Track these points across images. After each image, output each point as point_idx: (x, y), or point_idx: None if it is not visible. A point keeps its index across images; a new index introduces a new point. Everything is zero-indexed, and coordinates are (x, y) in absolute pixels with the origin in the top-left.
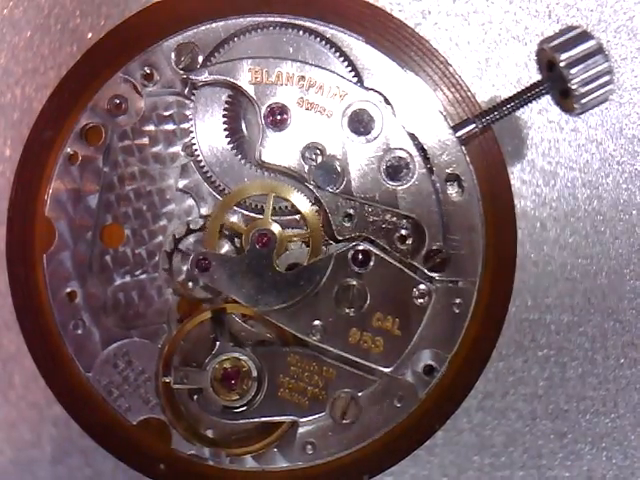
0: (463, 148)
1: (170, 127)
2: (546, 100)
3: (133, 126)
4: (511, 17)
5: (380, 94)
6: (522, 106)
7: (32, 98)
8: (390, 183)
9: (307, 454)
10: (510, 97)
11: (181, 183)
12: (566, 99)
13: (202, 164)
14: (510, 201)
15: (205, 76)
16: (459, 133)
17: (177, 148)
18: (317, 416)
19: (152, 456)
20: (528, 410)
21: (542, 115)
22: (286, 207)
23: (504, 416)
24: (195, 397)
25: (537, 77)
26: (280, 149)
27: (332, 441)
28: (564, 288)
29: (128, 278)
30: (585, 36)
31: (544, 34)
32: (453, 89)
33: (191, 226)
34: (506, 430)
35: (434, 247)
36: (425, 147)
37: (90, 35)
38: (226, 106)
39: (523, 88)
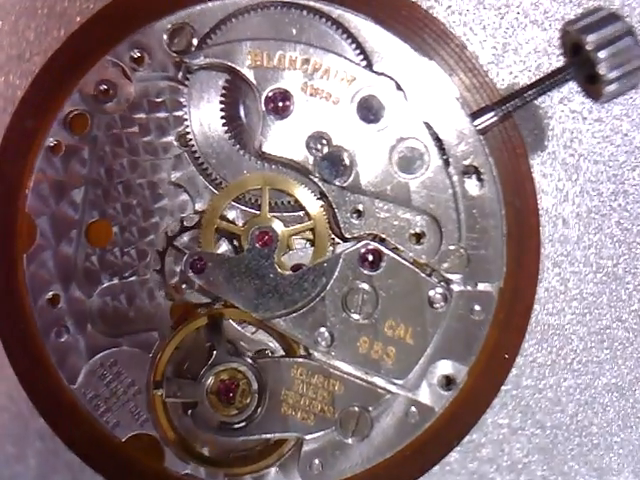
0: (482, 138)
1: (162, 115)
2: (567, 88)
3: (122, 114)
4: (529, 0)
5: (391, 79)
6: (545, 93)
7: (16, 86)
8: (402, 176)
9: (313, 474)
10: (532, 83)
11: (174, 176)
12: (593, 85)
13: (197, 155)
14: (533, 195)
15: (200, 59)
16: (477, 122)
17: (170, 138)
18: (324, 433)
19: (143, 476)
20: (551, 423)
21: (564, 104)
22: (289, 202)
23: (525, 429)
24: (190, 412)
25: (558, 64)
26: (282, 139)
27: (340, 460)
28: (588, 290)
29: (116, 280)
30: (613, 17)
31: (565, 18)
32: (470, 74)
33: (185, 223)
34: (527, 445)
35: (451, 247)
36: (440, 137)
37: (78, 19)
38: (223, 92)
39: (546, 74)
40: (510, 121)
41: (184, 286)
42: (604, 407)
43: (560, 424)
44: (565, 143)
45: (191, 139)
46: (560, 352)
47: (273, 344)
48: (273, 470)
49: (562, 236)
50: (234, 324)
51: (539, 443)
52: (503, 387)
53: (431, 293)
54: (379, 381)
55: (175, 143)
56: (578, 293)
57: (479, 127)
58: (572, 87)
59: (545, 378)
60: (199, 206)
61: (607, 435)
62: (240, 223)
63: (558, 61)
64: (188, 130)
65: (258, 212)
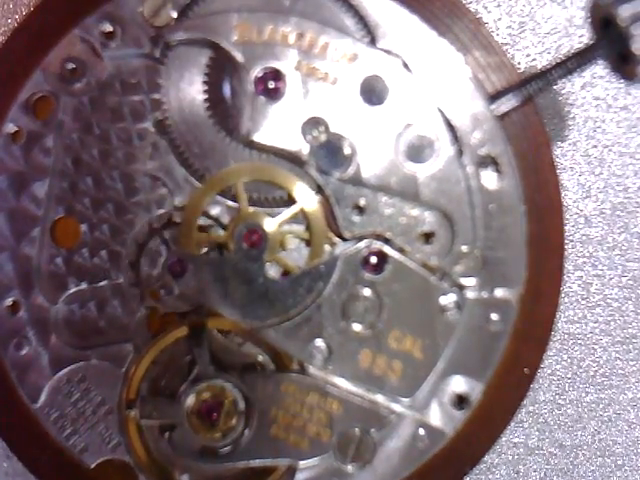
0: (500, 124)
1: (137, 98)
2: (590, 73)
3: (92, 96)
4: None
5: (397, 57)
6: (571, 73)
7: None
8: (410, 166)
9: None
10: (557, 63)
11: (151, 167)
12: (626, 64)
13: (177, 143)
14: (557, 189)
15: (180, 34)
16: (495, 106)
17: (146, 124)
18: (319, 459)
19: None
20: (571, 442)
21: (586, 90)
22: (281, 197)
23: (542, 448)
24: (167, 435)
25: (580, 46)
26: (274, 125)
27: None
28: (612, 296)
29: (85, 285)
30: None
31: None
32: (486, 53)
33: (163, 220)
34: (545, 466)
35: (464, 247)
36: (453, 123)
37: None
38: (206, 71)
39: (572, 52)
40: (531, 105)
41: (162, 292)
42: (629, 424)
43: (581, 443)
44: (588, 133)
45: (170, 125)
46: (581, 364)
47: (262, 357)
48: None
49: (584, 236)
50: (218, 335)
51: (558, 464)
52: None
53: (442, 300)
54: (382, 400)
55: (152, 129)
56: (602, 299)
57: (497, 112)
58: (595, 72)
59: (565, 393)
60: (179, 201)
61: (632, 455)
62: (226, 220)
63: (580, 42)
64: (167, 115)
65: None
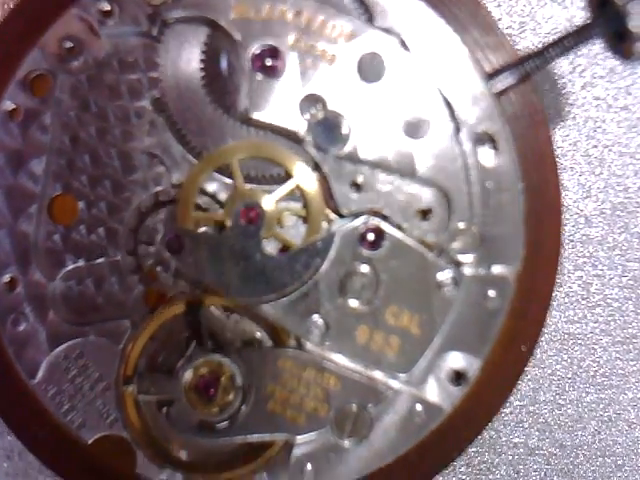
0: (497, 102)
1: (135, 76)
2: (590, 73)
3: (89, 74)
4: None
5: (395, 35)
6: (567, 52)
7: None
8: (407, 144)
9: None
10: (554, 41)
11: (148, 144)
12: (622, 43)
13: (174, 120)
14: (554, 167)
15: (178, 11)
16: (493, 84)
17: (144, 102)
18: (317, 434)
19: None
20: (572, 442)
21: (587, 91)
22: (279, 175)
23: (542, 449)
24: (165, 410)
25: (581, 22)
26: (271, 102)
27: (335, 465)
28: (613, 296)
29: (82, 262)
30: None
31: None
32: (484, 32)
33: (160, 198)
34: (545, 466)
35: (462, 224)
36: (450, 100)
37: None
38: (204, 49)
39: (570, 30)
40: (528, 84)
41: (159, 269)
42: (629, 424)
43: (581, 443)
44: (588, 133)
45: (167, 103)
46: (582, 364)
47: (260, 334)
48: (259, 476)
49: (584, 236)
50: (216, 312)
51: (558, 464)
52: (518, 403)
53: (439, 276)
54: (380, 375)
55: (149, 108)
56: (602, 299)
57: (494, 90)
58: (595, 72)
59: (565, 393)
60: (176, 178)
61: (632, 455)
62: (223, 198)
63: (580, 18)
64: (164, 92)
65: (245, 185)
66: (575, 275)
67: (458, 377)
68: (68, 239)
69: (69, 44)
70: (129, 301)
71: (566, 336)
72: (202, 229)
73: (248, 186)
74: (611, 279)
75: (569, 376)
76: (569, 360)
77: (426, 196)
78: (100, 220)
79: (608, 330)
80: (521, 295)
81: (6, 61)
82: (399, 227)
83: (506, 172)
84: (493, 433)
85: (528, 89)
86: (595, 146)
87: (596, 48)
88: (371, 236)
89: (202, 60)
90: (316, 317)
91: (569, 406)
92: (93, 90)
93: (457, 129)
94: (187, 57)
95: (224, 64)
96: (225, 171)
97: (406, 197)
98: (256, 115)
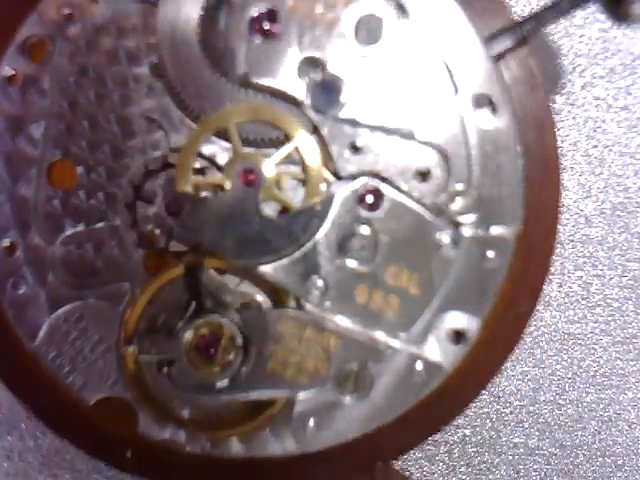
0: (495, 65)
1: (133, 41)
2: (590, 74)
3: (87, 39)
4: None
5: None
6: (564, 14)
7: None
8: (406, 105)
9: (306, 438)
10: (551, 4)
11: (147, 108)
12: (619, 5)
13: (173, 85)
14: (552, 130)
15: None
16: (490, 47)
17: (142, 67)
18: (318, 391)
19: (114, 442)
20: (572, 442)
21: (586, 90)
22: (277, 138)
23: (543, 449)
24: (165, 370)
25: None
26: (270, 64)
27: (336, 422)
28: (613, 296)
29: (82, 227)
30: None
31: None
32: None
33: (159, 162)
34: (545, 466)
35: (460, 185)
36: (448, 63)
37: None
38: (202, 13)
39: None
40: (525, 49)
41: (158, 232)
42: (630, 424)
43: (581, 443)
44: (588, 133)
45: (166, 67)
46: (582, 364)
47: (260, 296)
48: (262, 433)
49: (584, 236)
50: (215, 275)
51: (558, 464)
52: (518, 403)
53: (438, 237)
54: (380, 334)
55: (148, 73)
56: (602, 299)
57: (492, 52)
58: (595, 72)
59: (565, 393)
60: (175, 142)
61: (633, 455)
62: (222, 161)
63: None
64: (162, 57)
65: (243, 149)
66: (575, 275)
67: (458, 336)
68: (67, 204)
69: (67, 10)
70: (129, 264)
71: (566, 336)
72: (201, 192)
73: (247, 149)
74: (611, 279)
75: (569, 376)
76: (569, 360)
77: (425, 158)
78: (99, 185)
79: (608, 330)
80: (520, 256)
81: (4, 27)
82: (398, 188)
83: (504, 134)
84: (493, 433)
85: (525, 53)
86: (595, 146)
87: (596, 48)
88: (370, 198)
89: (200, 24)
90: (315, 278)
91: (569, 406)
92: (91, 56)
93: (455, 92)
94: (185, 21)
95: (222, 27)
96: (224, 135)
97: (405, 159)
98: (254, 79)
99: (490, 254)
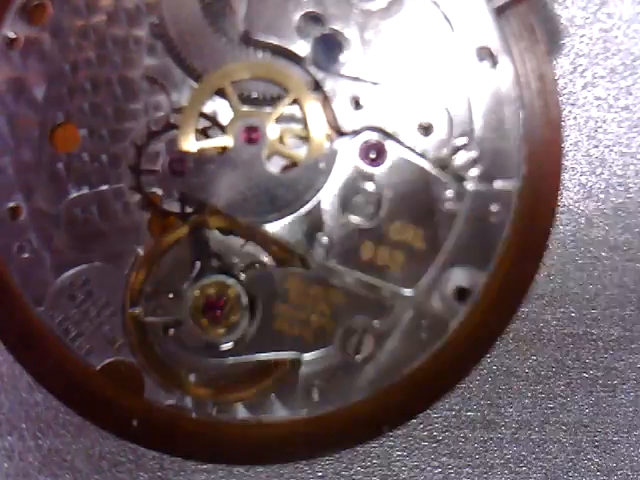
0: (496, 18)
1: (132, 1)
2: (591, 74)
3: (87, 1)
4: None
5: None
6: None
7: None
8: (407, 59)
9: (312, 401)
10: None
11: (148, 68)
12: None
13: (173, 44)
14: (553, 84)
15: None
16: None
17: (142, 27)
18: (324, 352)
19: (121, 409)
20: (571, 442)
21: (587, 90)
22: (278, 95)
23: (543, 449)
24: (171, 331)
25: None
26: (270, 20)
27: (343, 384)
28: (614, 297)
29: (86, 190)
30: None
31: None
32: None
33: (163, 122)
34: (545, 466)
35: (463, 139)
36: (449, 16)
37: None
38: None
39: None
40: (526, 5)
41: (162, 193)
42: (630, 424)
43: (582, 443)
44: (589, 133)
45: (166, 27)
46: (582, 364)
47: (265, 257)
48: (269, 397)
49: (585, 236)
50: (220, 236)
51: (558, 464)
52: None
53: (442, 191)
54: (385, 291)
55: (148, 33)
56: (601, 299)
57: (493, 5)
58: (596, 72)
59: (565, 393)
60: (177, 102)
61: (633, 455)
62: (224, 121)
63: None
64: (162, 17)
65: (244, 107)
66: (575, 275)
67: (463, 293)
68: (71, 166)
69: None
70: (133, 227)
71: (566, 336)
72: (205, 151)
73: (250, 108)
74: (611, 279)
75: (569, 376)
76: (569, 360)
77: (427, 112)
78: (102, 147)
79: (608, 330)
80: (524, 210)
81: None
82: (401, 143)
83: (506, 87)
84: (493, 433)
85: (525, 10)
86: (596, 146)
87: (597, 48)
88: (373, 153)
89: None
90: (320, 235)
91: (570, 407)
92: (91, 16)
93: (456, 45)
94: None
95: None
96: (224, 92)
97: (407, 114)
98: (254, 35)
99: (494, 208)
